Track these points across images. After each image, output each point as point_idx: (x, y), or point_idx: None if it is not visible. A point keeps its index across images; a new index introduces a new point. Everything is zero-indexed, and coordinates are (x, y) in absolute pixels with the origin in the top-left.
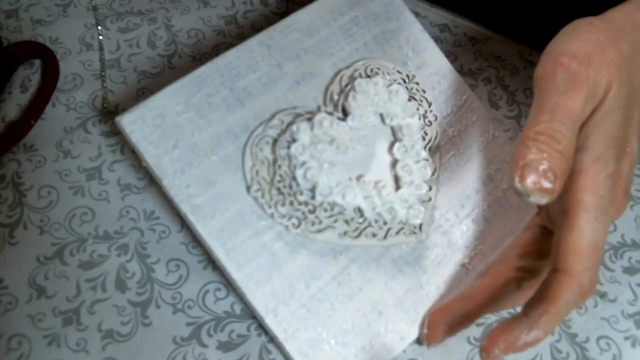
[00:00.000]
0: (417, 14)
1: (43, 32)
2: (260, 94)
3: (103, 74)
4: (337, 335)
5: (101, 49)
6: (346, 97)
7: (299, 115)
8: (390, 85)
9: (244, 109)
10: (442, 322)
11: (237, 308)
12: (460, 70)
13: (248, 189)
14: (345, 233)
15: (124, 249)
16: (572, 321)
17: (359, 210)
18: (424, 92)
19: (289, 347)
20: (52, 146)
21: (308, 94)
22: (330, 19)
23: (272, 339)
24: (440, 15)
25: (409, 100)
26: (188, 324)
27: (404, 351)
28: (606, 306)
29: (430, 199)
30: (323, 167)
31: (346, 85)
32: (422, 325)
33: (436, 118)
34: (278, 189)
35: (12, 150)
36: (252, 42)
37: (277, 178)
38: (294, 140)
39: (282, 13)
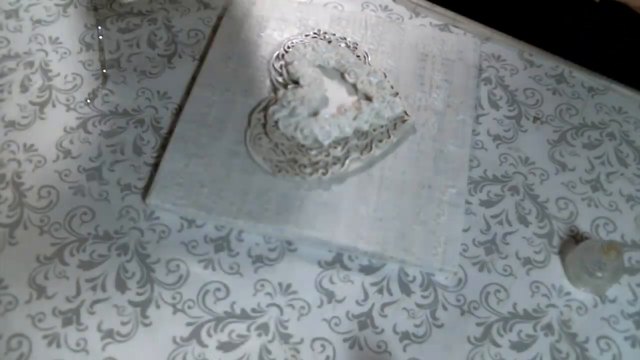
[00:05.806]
0: (417, 14)
1: (43, 32)
2: (229, 115)
3: (103, 73)
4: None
5: (101, 49)
6: (287, 71)
7: (265, 107)
8: (329, 42)
9: (227, 130)
10: None
11: (237, 308)
12: None
13: (270, 170)
14: (362, 153)
15: (124, 249)
16: (572, 321)
17: (358, 131)
18: (366, 54)
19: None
20: (52, 146)
21: (260, 94)
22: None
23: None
24: (440, 16)
25: (348, 49)
26: (188, 324)
27: (404, 350)
28: (606, 306)
29: (397, 94)
30: (310, 119)
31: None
32: None
33: (385, 76)
34: (292, 158)
35: (12, 150)
36: (196, 90)
37: (280, 141)
38: (282, 107)
39: None
